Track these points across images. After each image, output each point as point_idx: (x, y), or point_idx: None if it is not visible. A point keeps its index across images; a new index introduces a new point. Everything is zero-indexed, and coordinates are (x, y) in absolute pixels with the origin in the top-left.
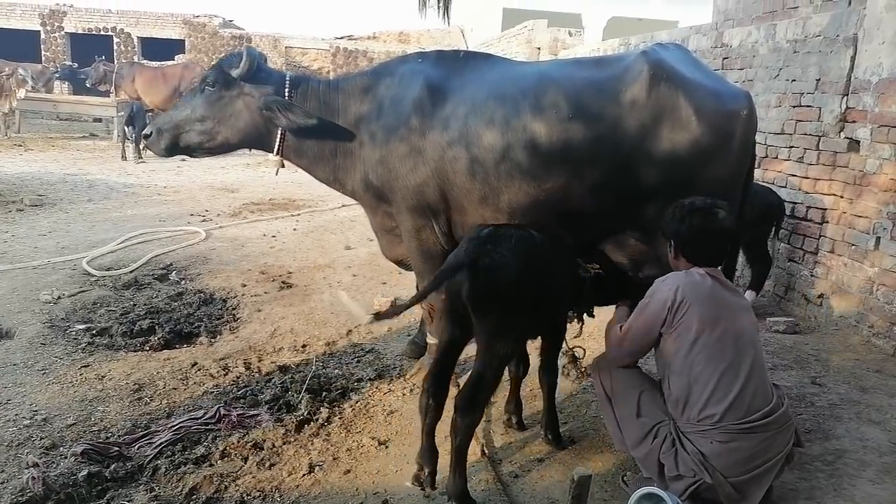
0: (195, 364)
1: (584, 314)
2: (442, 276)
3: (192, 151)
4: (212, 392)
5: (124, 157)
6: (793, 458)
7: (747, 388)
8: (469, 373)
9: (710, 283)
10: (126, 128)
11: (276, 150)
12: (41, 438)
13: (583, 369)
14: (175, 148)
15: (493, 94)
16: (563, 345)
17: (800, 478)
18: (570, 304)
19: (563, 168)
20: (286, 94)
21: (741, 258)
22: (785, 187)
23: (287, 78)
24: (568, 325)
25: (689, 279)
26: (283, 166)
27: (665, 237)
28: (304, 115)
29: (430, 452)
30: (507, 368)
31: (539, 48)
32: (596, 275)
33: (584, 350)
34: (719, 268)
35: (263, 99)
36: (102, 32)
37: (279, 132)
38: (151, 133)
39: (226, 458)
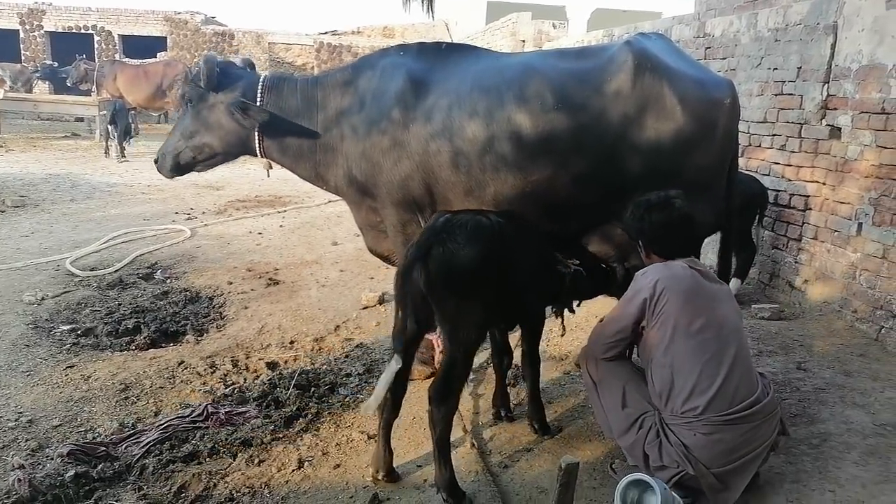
0: (182, 362)
1: (565, 309)
2: (403, 273)
3: (193, 168)
4: (199, 390)
5: (107, 155)
6: (777, 446)
7: (731, 378)
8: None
9: (690, 274)
10: (109, 126)
11: (257, 151)
12: (27, 440)
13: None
14: (177, 167)
15: (476, 85)
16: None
17: (786, 462)
18: (547, 292)
19: (549, 159)
20: (258, 94)
21: None
22: (768, 175)
23: (261, 79)
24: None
25: (669, 271)
26: (271, 167)
27: (632, 239)
28: (261, 112)
29: (384, 453)
30: (491, 362)
31: (524, 41)
32: (575, 271)
33: None
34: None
35: (225, 104)
36: (83, 31)
37: (256, 134)
38: (158, 159)
39: (214, 456)
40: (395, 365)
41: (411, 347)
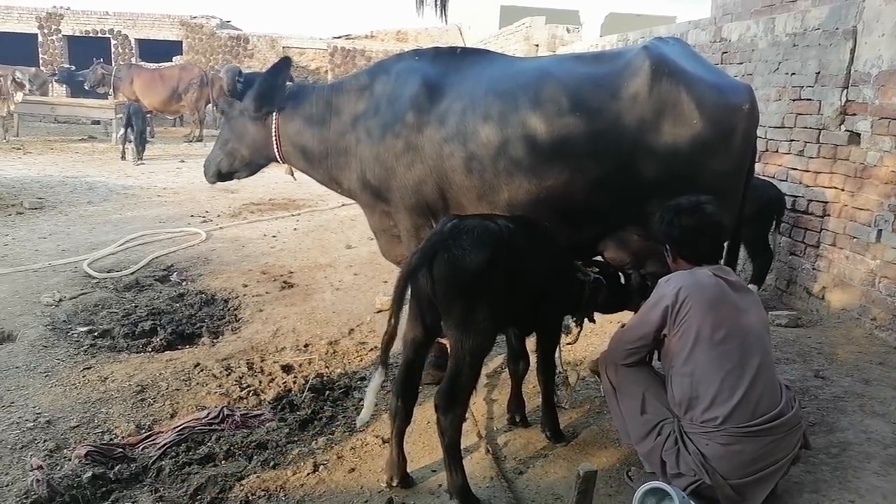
0: (198, 365)
1: (584, 319)
2: (405, 277)
3: (232, 174)
4: (215, 392)
5: (123, 158)
6: (799, 460)
7: (753, 390)
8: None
9: (715, 283)
10: (125, 129)
11: (276, 155)
12: (45, 441)
13: (569, 393)
14: (218, 174)
15: (490, 89)
16: (558, 364)
17: (805, 471)
18: (562, 300)
19: (564, 164)
20: None
21: (742, 253)
22: (786, 181)
23: None
24: (567, 332)
25: (693, 279)
26: (292, 172)
27: (659, 243)
28: (266, 111)
29: (397, 460)
30: (507, 367)
31: (537, 45)
32: (595, 279)
33: (577, 375)
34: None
35: (240, 109)
36: (100, 35)
37: (274, 139)
38: (205, 166)
39: (230, 458)
40: (378, 378)
41: (422, 352)
